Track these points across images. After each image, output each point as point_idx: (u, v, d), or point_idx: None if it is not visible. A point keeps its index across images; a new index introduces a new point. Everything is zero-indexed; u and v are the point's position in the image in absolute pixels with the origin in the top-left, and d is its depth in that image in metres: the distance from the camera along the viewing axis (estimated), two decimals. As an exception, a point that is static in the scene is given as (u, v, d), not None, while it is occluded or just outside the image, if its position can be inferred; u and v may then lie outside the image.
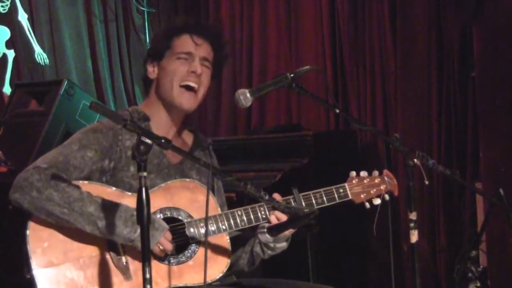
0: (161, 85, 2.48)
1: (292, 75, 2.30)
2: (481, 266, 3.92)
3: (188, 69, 2.45)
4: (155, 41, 2.57)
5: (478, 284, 3.86)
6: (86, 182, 2.33)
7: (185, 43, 2.48)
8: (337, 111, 2.42)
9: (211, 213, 2.35)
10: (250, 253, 2.50)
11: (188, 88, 2.45)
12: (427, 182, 2.32)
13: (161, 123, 2.48)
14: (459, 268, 3.86)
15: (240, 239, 2.52)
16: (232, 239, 2.47)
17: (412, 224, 2.30)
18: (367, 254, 4.58)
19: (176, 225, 2.34)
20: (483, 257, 3.95)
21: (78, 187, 2.28)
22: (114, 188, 2.35)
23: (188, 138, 2.60)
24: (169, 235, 2.28)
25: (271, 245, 2.43)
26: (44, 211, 2.22)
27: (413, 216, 2.30)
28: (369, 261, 4.61)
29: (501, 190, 3.18)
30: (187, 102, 2.45)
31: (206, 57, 2.49)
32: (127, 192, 2.34)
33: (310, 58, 5.13)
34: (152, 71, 2.51)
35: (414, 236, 2.30)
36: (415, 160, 2.30)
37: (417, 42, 4.53)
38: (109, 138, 2.38)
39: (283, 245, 2.45)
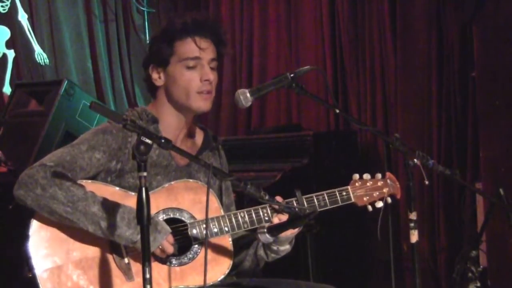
0: (173, 93, 2.44)
1: (292, 75, 2.29)
2: (481, 266, 3.92)
3: (200, 77, 2.42)
4: (156, 46, 2.47)
5: (478, 284, 3.85)
6: (90, 181, 2.32)
7: (190, 47, 2.43)
8: (337, 111, 2.42)
9: (213, 214, 2.35)
10: (254, 255, 2.49)
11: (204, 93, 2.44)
12: (427, 182, 2.31)
13: (171, 125, 2.47)
14: (459, 268, 3.85)
15: (244, 241, 2.51)
16: (236, 241, 2.46)
17: (412, 224, 2.29)
18: (367, 254, 4.58)
19: (178, 226, 2.34)
20: (483, 257, 3.94)
21: (82, 186, 2.27)
22: (118, 188, 2.34)
23: (198, 137, 2.58)
24: (171, 238, 2.28)
25: (275, 248, 2.43)
26: (47, 209, 2.21)
27: (413, 216, 2.29)
28: (369, 261, 4.61)
29: (501, 190, 3.18)
30: (205, 104, 2.44)
31: (212, 57, 2.46)
32: (130, 193, 2.33)
33: (310, 58, 5.13)
34: (157, 77, 2.46)
35: (414, 236, 2.29)
36: (415, 160, 2.30)
37: (417, 42, 4.53)
38: (118, 140, 2.36)
39: (286, 247, 2.45)
